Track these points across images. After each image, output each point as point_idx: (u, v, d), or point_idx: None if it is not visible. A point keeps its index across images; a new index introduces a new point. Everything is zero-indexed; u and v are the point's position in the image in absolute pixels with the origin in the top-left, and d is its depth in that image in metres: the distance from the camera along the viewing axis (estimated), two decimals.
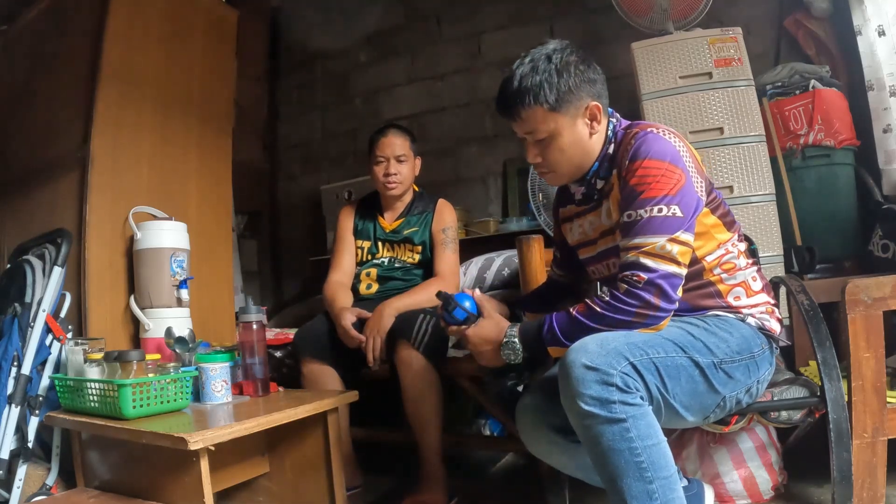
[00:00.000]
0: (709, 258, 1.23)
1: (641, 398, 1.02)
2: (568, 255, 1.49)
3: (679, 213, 1.11)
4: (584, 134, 1.23)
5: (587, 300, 1.13)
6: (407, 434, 1.77)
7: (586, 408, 1.00)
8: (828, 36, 2.46)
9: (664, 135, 1.17)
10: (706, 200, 1.20)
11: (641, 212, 1.12)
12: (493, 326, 1.23)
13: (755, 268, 1.29)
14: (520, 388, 1.30)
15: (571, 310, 1.13)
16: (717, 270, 1.23)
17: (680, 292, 1.11)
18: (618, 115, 1.29)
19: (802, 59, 2.47)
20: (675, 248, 1.09)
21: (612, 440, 1.00)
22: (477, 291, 1.34)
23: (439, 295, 1.33)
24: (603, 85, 1.25)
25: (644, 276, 1.08)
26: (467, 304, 1.29)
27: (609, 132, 1.26)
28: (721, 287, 1.24)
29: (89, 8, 2.03)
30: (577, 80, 1.19)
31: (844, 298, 1.30)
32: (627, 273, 1.10)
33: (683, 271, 1.11)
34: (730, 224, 1.26)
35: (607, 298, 1.10)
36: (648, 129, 1.19)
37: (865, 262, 2.13)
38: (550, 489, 1.45)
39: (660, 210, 1.11)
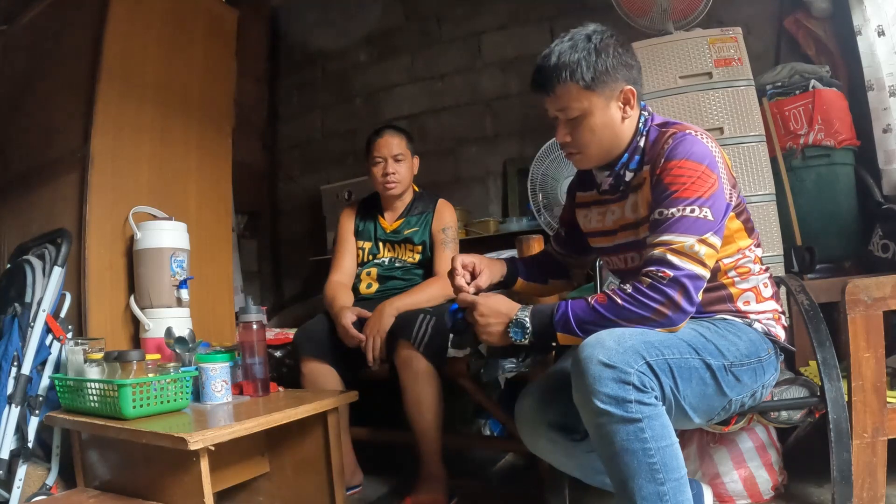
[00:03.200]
0: (726, 260, 1.22)
1: (656, 398, 1.01)
2: (571, 237, 1.48)
3: (710, 217, 1.10)
4: (616, 117, 1.22)
5: (607, 291, 1.11)
6: (407, 434, 1.77)
7: (601, 406, 0.99)
8: (828, 36, 2.46)
9: (702, 138, 1.17)
10: (733, 205, 1.20)
11: (674, 210, 1.11)
12: (504, 300, 1.19)
13: (767, 274, 1.28)
14: (512, 369, 1.27)
15: (590, 299, 1.11)
16: (732, 273, 1.23)
17: (700, 296, 1.10)
18: (650, 109, 1.28)
19: (802, 59, 2.47)
20: (703, 250, 1.08)
21: (625, 440, 0.99)
22: (471, 288, 1.33)
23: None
24: (639, 72, 1.24)
25: (670, 272, 1.06)
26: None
27: (640, 124, 1.25)
28: (733, 290, 1.24)
29: (89, 8, 2.04)
30: (615, 61, 1.18)
31: (844, 298, 1.30)
32: (653, 268, 1.08)
33: (707, 274, 1.10)
34: (750, 230, 1.26)
35: (630, 291, 1.08)
36: (687, 131, 1.18)
37: (865, 262, 2.13)
38: (550, 489, 1.44)
39: (692, 210, 1.10)
